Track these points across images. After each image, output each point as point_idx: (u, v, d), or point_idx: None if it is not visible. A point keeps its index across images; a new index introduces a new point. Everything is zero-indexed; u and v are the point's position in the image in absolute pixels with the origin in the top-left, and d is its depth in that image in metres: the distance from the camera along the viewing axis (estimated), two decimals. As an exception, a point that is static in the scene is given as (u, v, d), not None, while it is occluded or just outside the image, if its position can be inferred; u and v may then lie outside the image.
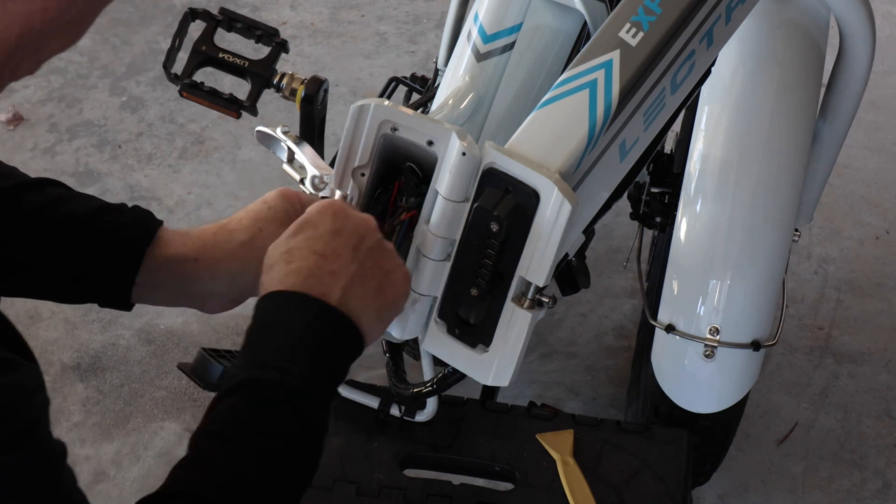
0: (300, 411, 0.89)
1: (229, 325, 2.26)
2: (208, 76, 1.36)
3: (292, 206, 1.05)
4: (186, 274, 1.03)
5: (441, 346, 1.08)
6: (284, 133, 1.21)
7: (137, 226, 1.03)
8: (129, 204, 1.07)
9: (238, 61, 1.38)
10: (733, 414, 1.68)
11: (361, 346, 0.93)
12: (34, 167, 2.63)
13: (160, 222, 1.05)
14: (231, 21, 1.39)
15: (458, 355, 1.08)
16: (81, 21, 0.79)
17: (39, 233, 1.01)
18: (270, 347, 0.91)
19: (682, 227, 1.56)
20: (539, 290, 1.03)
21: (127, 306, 1.05)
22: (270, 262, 0.94)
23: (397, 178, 1.08)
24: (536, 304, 1.03)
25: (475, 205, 1.02)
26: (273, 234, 1.01)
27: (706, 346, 1.53)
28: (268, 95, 1.43)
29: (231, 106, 1.38)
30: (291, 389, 0.88)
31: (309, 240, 0.94)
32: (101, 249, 1.02)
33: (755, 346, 1.54)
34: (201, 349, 1.13)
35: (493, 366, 1.05)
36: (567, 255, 1.30)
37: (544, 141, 1.04)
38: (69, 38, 0.80)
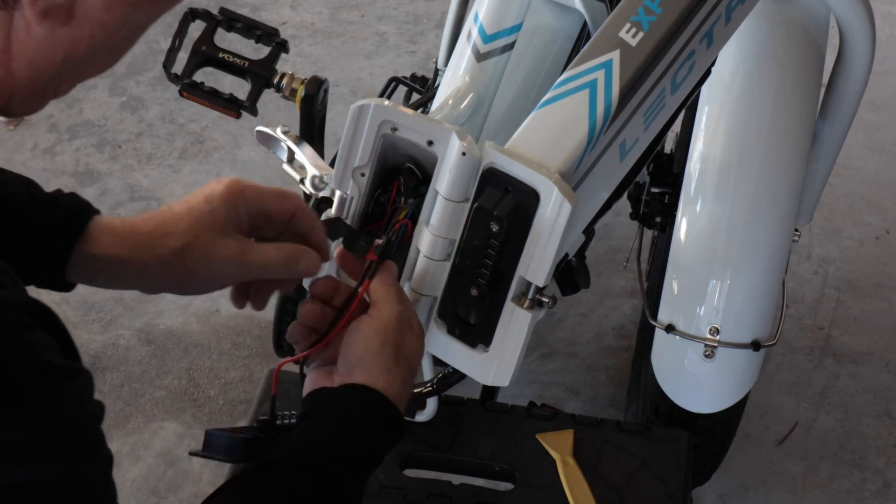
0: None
1: (229, 326, 2.26)
2: (208, 76, 1.36)
3: (234, 209, 0.99)
4: (116, 273, 0.98)
5: (441, 346, 1.08)
6: (284, 133, 1.21)
7: (67, 220, 0.98)
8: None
9: (238, 61, 1.38)
10: (733, 414, 1.68)
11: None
12: (34, 167, 2.63)
13: (91, 214, 0.99)
14: (231, 21, 1.38)
15: (458, 355, 1.08)
16: (121, 47, 0.82)
17: None
18: (355, 449, 0.94)
19: (682, 227, 1.56)
20: (539, 290, 1.03)
21: (64, 288, 1.00)
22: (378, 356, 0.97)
23: (397, 179, 1.08)
24: (536, 304, 1.03)
25: (475, 205, 1.02)
26: (207, 243, 0.97)
27: (706, 346, 1.53)
28: (268, 95, 1.43)
29: (231, 106, 1.38)
30: (350, 488, 0.91)
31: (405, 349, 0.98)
32: (32, 237, 0.97)
33: (755, 346, 1.54)
34: (206, 430, 1.10)
35: (493, 366, 1.05)
36: (567, 255, 1.30)
37: (544, 141, 1.04)
38: (108, 62, 0.83)
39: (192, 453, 1.04)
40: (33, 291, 0.90)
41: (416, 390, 1.37)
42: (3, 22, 0.75)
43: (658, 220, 1.78)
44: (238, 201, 0.99)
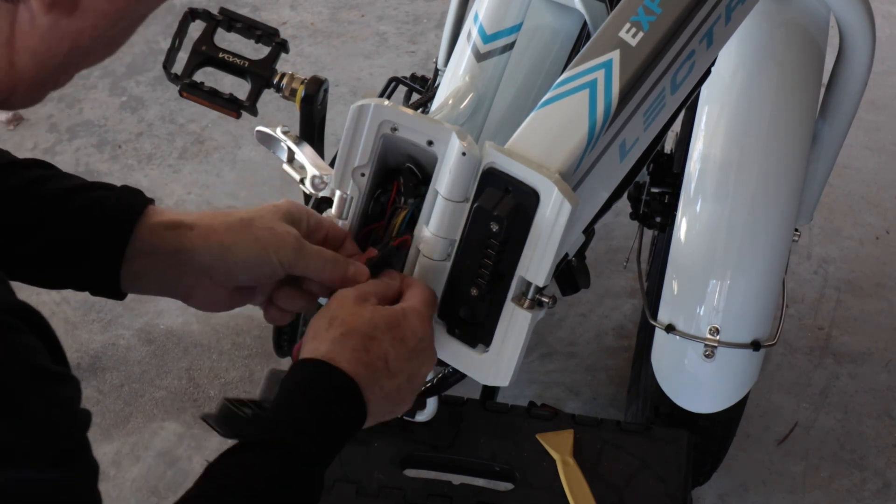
0: (308, 480, 0.91)
1: (229, 326, 2.26)
2: (208, 76, 1.36)
3: (296, 212, 1.04)
4: (179, 241, 0.99)
5: (441, 345, 1.08)
6: (284, 133, 1.21)
7: (126, 200, 1.01)
8: None
9: (238, 61, 1.38)
10: (733, 414, 1.68)
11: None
12: (34, 167, 2.63)
13: (151, 200, 1.03)
14: (231, 21, 1.39)
15: (458, 355, 1.08)
16: (121, 38, 0.83)
17: (23, 211, 0.99)
18: (298, 415, 0.93)
19: (682, 227, 1.56)
20: (539, 290, 1.03)
21: (117, 291, 1.01)
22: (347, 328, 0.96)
23: (397, 179, 1.08)
24: (536, 304, 1.03)
25: (475, 205, 1.02)
26: (272, 221, 1.01)
27: (706, 346, 1.53)
28: (268, 95, 1.43)
29: (231, 106, 1.38)
30: (306, 460, 0.91)
31: (391, 341, 0.97)
32: (86, 225, 0.99)
33: (755, 346, 1.54)
34: (224, 399, 1.09)
35: (493, 366, 1.05)
36: (567, 255, 1.30)
37: (544, 141, 1.04)
38: (107, 52, 0.83)
39: (202, 417, 1.03)
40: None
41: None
42: (7, 14, 0.75)
43: (658, 220, 1.78)
44: (302, 210, 1.05)
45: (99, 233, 0.99)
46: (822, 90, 1.62)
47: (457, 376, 1.30)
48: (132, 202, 1.01)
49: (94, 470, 0.78)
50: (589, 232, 1.29)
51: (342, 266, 1.03)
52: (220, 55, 1.38)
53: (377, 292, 1.01)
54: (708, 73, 1.23)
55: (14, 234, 0.98)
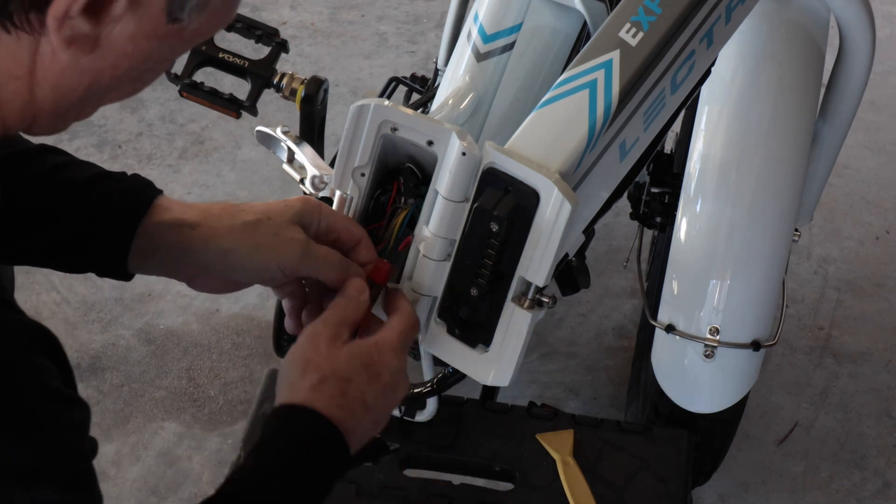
0: None
1: (229, 326, 2.26)
2: (208, 76, 1.36)
3: (308, 213, 1.03)
4: (182, 240, 1.00)
5: (441, 346, 1.08)
6: (284, 133, 1.21)
7: (134, 194, 1.02)
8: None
9: (238, 61, 1.38)
10: (733, 414, 1.68)
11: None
12: (34, 167, 2.63)
13: (159, 192, 1.03)
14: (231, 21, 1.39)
15: (458, 355, 1.08)
16: (146, 77, 0.82)
17: (38, 199, 1.00)
18: (282, 465, 0.92)
19: (682, 227, 1.57)
20: (539, 290, 1.03)
21: (125, 276, 1.03)
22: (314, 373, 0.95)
23: (397, 179, 1.08)
24: (536, 304, 1.03)
25: (475, 205, 1.02)
26: (279, 225, 1.00)
27: (706, 346, 1.53)
28: (268, 95, 1.43)
29: (231, 106, 1.38)
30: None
31: (367, 381, 0.96)
32: (96, 217, 1.00)
33: (755, 346, 1.54)
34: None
35: (493, 366, 1.05)
36: (567, 255, 1.30)
37: (544, 141, 1.04)
38: (132, 90, 0.83)
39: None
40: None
41: (416, 390, 1.37)
42: (30, 46, 0.75)
43: (658, 220, 1.78)
44: (314, 211, 1.03)
45: (106, 228, 1.00)
46: (822, 90, 1.62)
47: (457, 376, 1.31)
48: (138, 198, 1.02)
49: (97, 496, 0.78)
50: (589, 232, 1.29)
51: (346, 270, 1.02)
52: (220, 55, 1.38)
53: (351, 319, 1.00)
54: (708, 73, 1.23)
55: (28, 221, 0.99)
